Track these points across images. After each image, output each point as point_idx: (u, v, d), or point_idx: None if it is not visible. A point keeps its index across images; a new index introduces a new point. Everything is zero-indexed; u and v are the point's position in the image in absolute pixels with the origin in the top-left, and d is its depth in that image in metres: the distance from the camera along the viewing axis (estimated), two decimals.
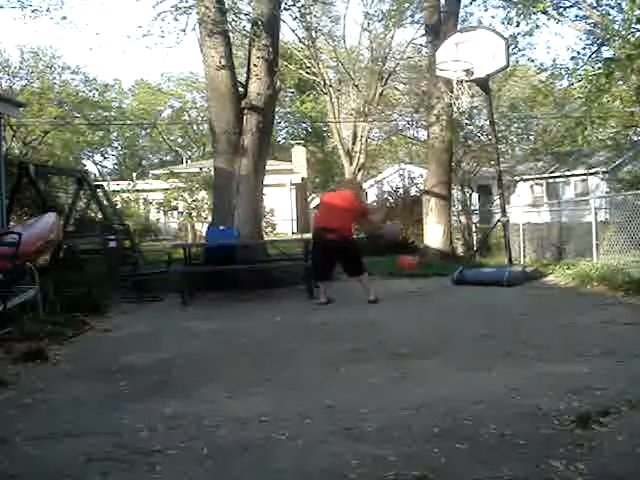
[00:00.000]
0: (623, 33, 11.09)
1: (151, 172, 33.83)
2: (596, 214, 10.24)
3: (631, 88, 12.39)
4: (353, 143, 35.20)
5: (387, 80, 32.68)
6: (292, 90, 38.38)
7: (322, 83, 34.20)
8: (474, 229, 15.50)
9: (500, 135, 16.20)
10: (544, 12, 11.60)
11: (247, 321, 6.72)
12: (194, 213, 20.65)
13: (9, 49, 58.17)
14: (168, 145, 46.77)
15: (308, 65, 34.38)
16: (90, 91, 37.05)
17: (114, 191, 21.23)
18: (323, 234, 7.64)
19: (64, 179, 14.38)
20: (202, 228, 18.67)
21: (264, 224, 16.18)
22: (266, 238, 14.23)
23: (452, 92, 10.17)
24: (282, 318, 6.76)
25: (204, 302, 8.06)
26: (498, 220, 10.63)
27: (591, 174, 21.46)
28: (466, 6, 14.17)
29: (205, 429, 3.26)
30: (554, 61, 15.97)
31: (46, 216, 8.00)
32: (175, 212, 22.47)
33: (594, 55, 12.62)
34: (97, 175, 41.14)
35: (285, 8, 10.37)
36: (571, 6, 12.72)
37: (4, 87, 30.38)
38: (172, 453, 2.95)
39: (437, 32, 12.72)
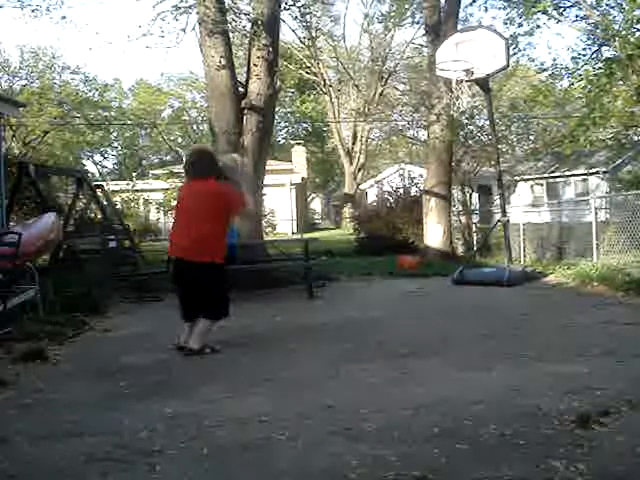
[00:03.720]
0: (623, 33, 11.09)
1: (151, 172, 33.86)
2: (596, 214, 10.25)
3: (631, 88, 12.38)
4: (353, 143, 35.24)
5: (387, 80, 32.69)
6: (292, 90, 38.40)
7: (322, 83, 34.21)
8: (474, 229, 15.49)
9: (500, 135, 16.19)
10: (544, 12, 11.60)
11: (247, 321, 6.70)
12: None
13: (9, 49, 58.34)
14: (168, 145, 46.77)
15: (308, 65, 34.39)
16: (90, 91, 37.07)
17: (114, 191, 21.23)
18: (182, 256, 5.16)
19: (64, 179, 14.38)
20: None
21: (264, 224, 16.18)
22: (266, 238, 14.23)
23: (452, 92, 10.17)
24: (282, 318, 6.76)
25: None
26: (498, 220, 10.63)
27: (591, 174, 21.44)
28: (466, 7, 14.22)
29: (205, 429, 3.26)
30: (554, 61, 15.92)
31: (46, 216, 7.99)
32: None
33: (594, 55, 12.63)
34: (97, 175, 41.18)
35: (285, 8, 10.38)
36: (571, 6, 12.72)
37: (4, 87, 30.39)
38: (172, 453, 2.95)
39: (437, 32, 12.72)
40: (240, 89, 9.44)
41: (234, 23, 9.54)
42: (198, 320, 5.08)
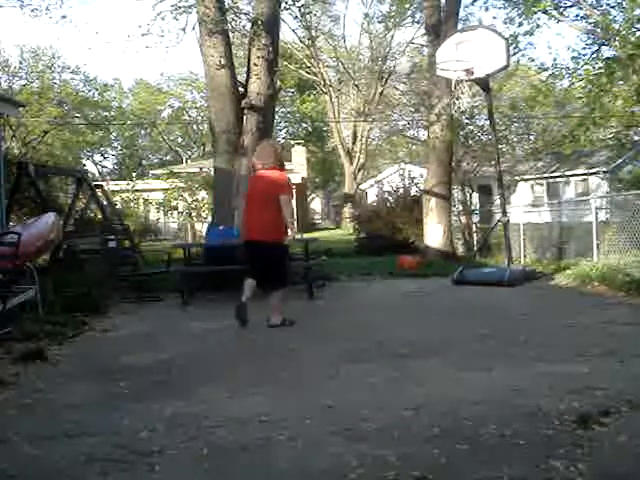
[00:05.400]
0: (623, 33, 11.10)
1: (151, 172, 33.86)
2: (597, 214, 10.24)
3: (631, 88, 12.39)
4: (353, 143, 35.25)
5: (387, 80, 32.70)
6: (292, 90, 38.37)
7: (322, 83, 34.21)
8: (474, 229, 15.50)
9: (500, 135, 16.20)
10: (544, 12, 11.61)
11: None
12: (194, 213, 20.66)
13: (9, 49, 58.40)
14: (168, 145, 46.79)
15: (308, 65, 34.39)
16: (90, 91, 37.11)
17: (114, 191, 21.25)
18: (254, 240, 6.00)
19: (64, 179, 14.39)
20: (202, 228, 18.67)
21: None
22: None
23: (452, 92, 10.17)
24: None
25: (204, 302, 8.05)
26: (498, 220, 10.62)
27: (592, 174, 21.45)
28: (467, 6, 14.26)
29: (205, 429, 3.25)
30: (554, 61, 15.96)
31: (46, 216, 7.99)
32: (175, 212, 22.48)
33: (595, 55, 12.64)
34: (97, 175, 41.19)
35: (285, 8, 10.39)
36: (571, 6, 12.75)
37: (4, 87, 30.39)
38: (172, 453, 2.95)
39: (437, 32, 12.72)
40: (240, 89, 9.44)
41: (234, 23, 9.54)
42: (269, 296, 5.96)
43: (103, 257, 9.79)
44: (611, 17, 12.12)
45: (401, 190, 16.92)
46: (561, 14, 12.48)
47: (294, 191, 26.69)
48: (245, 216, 6.21)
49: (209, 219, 13.22)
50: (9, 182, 9.77)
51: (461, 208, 16.21)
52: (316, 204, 50.45)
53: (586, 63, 12.29)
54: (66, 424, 3.38)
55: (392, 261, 11.85)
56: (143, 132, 46.42)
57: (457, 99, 10.03)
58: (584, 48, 13.14)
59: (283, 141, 43.67)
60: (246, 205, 6.20)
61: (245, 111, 9.22)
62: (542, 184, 24.05)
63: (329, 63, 35.89)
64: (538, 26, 11.95)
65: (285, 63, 28.68)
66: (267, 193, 5.90)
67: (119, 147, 48.32)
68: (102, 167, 48.21)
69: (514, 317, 6.42)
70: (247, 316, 5.84)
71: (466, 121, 14.91)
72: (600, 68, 11.61)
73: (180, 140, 47.79)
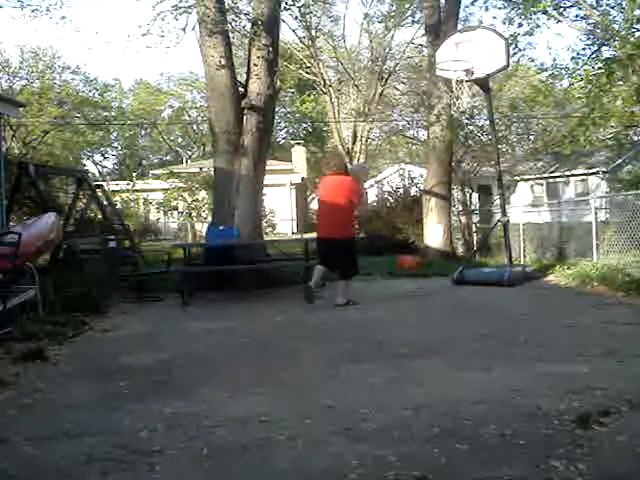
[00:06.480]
0: (623, 33, 11.09)
1: (151, 172, 33.82)
2: (596, 214, 10.23)
3: (631, 88, 12.39)
4: (353, 143, 35.19)
5: (387, 80, 32.69)
6: (292, 90, 38.35)
7: (322, 83, 34.20)
8: (474, 229, 15.48)
9: (500, 135, 16.19)
10: (544, 12, 11.61)
11: (247, 321, 6.72)
12: (194, 213, 20.66)
13: (9, 49, 58.37)
14: (168, 145, 46.76)
15: (308, 65, 34.38)
16: (90, 91, 37.09)
17: (114, 191, 21.23)
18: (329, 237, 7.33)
19: (64, 179, 14.38)
20: (202, 228, 18.67)
21: (264, 224, 16.16)
22: (266, 238, 14.22)
23: (452, 92, 10.17)
24: (282, 318, 6.76)
25: (204, 302, 8.06)
26: (498, 220, 10.62)
27: (591, 174, 21.45)
28: (467, 6, 14.27)
29: (205, 429, 3.26)
30: (554, 61, 15.99)
31: (46, 216, 7.99)
32: (175, 212, 22.47)
33: (594, 55, 12.63)
34: (97, 175, 41.16)
35: (285, 8, 10.38)
36: (571, 6, 12.72)
37: (4, 87, 30.39)
38: (172, 453, 2.95)
39: (437, 32, 12.72)
40: (240, 89, 9.44)
41: (234, 23, 9.54)
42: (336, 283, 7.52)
43: (103, 257, 9.78)
44: (611, 17, 12.12)
45: (401, 190, 16.91)
46: (561, 14, 12.46)
47: (294, 191, 26.69)
48: (320, 215, 7.58)
49: (209, 219, 13.21)
50: (9, 182, 9.78)
51: (461, 208, 16.20)
52: (316, 204, 50.45)
53: (586, 63, 12.28)
54: (66, 424, 3.38)
55: (392, 261, 11.85)
56: (143, 132, 46.38)
57: (457, 99, 10.03)
58: (584, 48, 13.13)
59: (283, 141, 43.70)
60: (319, 206, 7.60)
61: (245, 111, 9.22)
62: (542, 184, 24.04)
63: (329, 63, 35.83)
64: (538, 26, 11.95)
65: (285, 63, 28.64)
66: (338, 196, 7.17)
67: (119, 147, 48.27)
68: (102, 167, 48.17)
69: (514, 317, 6.43)
70: (313, 299, 7.26)
71: (466, 121, 14.89)
72: (600, 68, 11.60)
73: (180, 140, 47.75)
